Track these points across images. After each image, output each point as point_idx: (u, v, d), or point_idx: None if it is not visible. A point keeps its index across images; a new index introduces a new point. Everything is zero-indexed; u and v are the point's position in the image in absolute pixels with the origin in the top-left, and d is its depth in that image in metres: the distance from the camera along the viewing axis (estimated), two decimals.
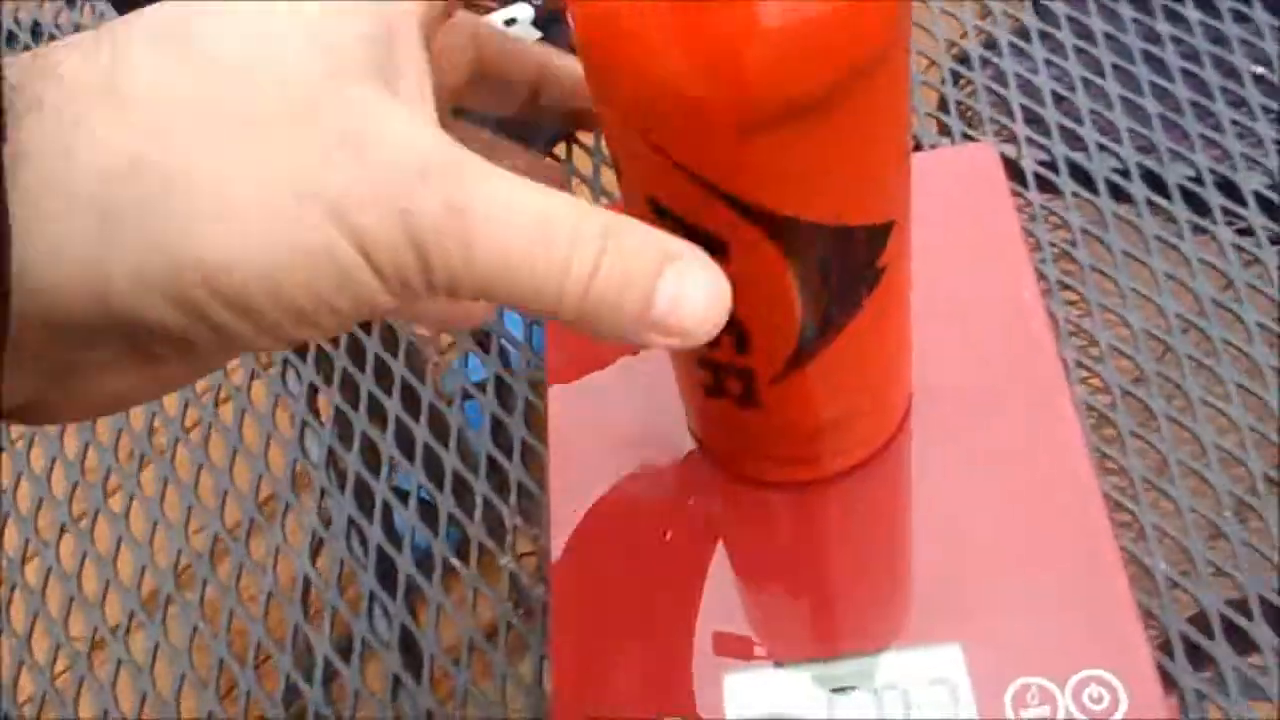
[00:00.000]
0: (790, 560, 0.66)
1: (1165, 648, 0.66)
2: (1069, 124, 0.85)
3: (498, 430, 0.79)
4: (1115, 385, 0.75)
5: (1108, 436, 0.74)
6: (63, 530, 0.82)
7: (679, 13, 0.41)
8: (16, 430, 0.87)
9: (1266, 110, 0.83)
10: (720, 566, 0.67)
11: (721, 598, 0.66)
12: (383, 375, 0.82)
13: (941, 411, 0.70)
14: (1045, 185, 0.84)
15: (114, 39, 0.36)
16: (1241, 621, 0.65)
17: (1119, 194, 0.82)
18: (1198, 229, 0.79)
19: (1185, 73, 0.85)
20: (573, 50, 0.48)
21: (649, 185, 0.49)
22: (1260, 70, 0.85)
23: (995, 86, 0.87)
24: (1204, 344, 0.77)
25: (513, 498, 0.76)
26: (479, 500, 0.75)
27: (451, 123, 0.51)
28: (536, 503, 0.77)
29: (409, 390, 0.81)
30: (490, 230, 0.37)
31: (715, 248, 0.46)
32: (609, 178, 0.86)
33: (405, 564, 0.74)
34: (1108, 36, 0.88)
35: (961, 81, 0.90)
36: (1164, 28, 0.88)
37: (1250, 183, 0.81)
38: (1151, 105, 0.85)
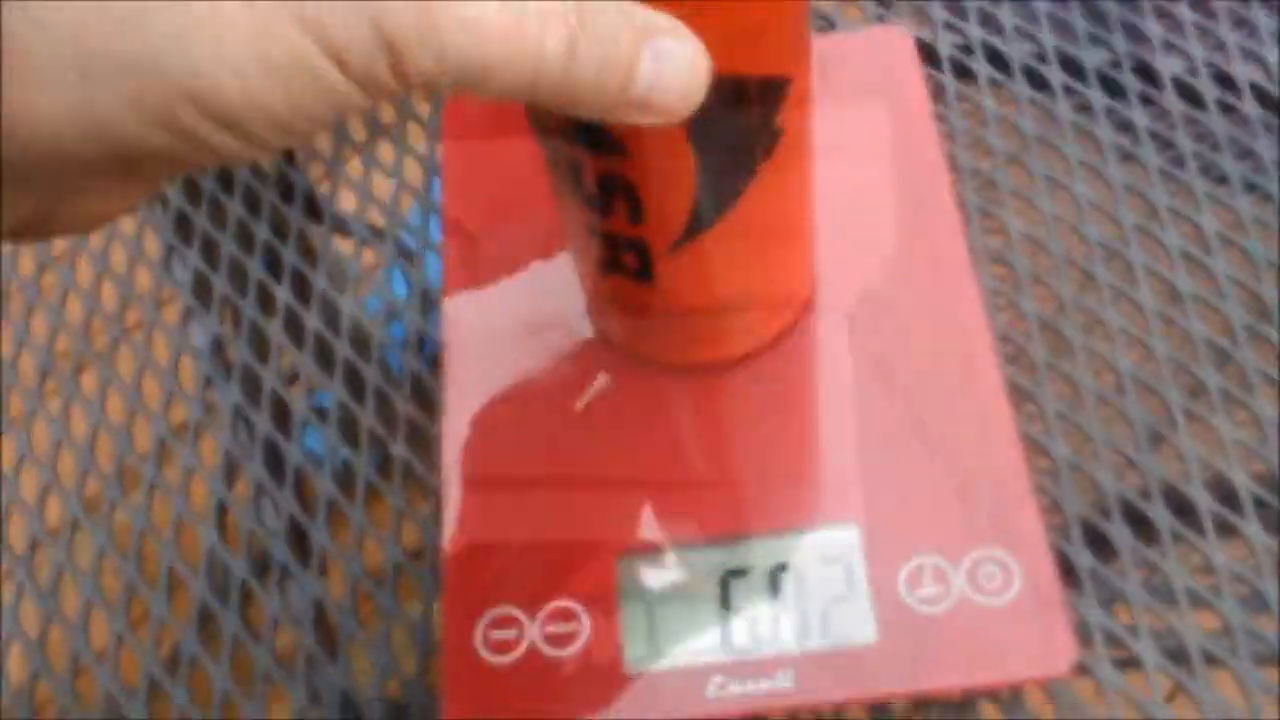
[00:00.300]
0: (687, 444, 0.65)
1: (1065, 532, 0.65)
2: (987, 6, 0.83)
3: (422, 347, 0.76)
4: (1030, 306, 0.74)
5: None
6: None
7: None
8: None
9: None
10: (617, 450, 0.65)
11: (617, 482, 0.64)
12: (302, 290, 0.79)
13: (845, 298, 0.69)
14: (961, 71, 0.82)
15: None
16: (1141, 506, 0.65)
17: (1036, 80, 0.81)
18: (1122, 153, 0.77)
19: None
20: None
21: None
22: None
23: None
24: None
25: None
26: (402, 419, 0.72)
27: None
28: None
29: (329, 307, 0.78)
30: (460, 25, 0.37)
31: None
32: None
33: (326, 484, 0.71)
34: None
35: None
36: None
37: (1170, 68, 0.80)
38: None
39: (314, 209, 0.83)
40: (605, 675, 0.58)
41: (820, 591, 0.59)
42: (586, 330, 0.70)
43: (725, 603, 0.60)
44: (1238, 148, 0.77)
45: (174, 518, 0.73)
